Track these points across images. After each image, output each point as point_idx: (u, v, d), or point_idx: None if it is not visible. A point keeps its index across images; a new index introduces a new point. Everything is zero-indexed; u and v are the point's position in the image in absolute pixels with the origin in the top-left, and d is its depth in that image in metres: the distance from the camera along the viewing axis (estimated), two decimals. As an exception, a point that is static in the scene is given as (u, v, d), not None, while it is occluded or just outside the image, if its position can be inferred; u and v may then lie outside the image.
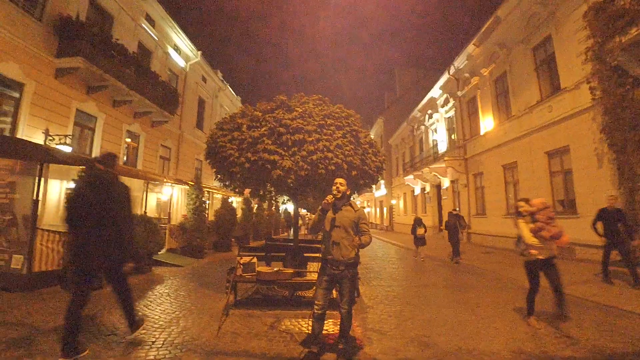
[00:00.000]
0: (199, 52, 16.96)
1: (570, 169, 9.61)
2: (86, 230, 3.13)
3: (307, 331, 3.74)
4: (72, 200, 3.23)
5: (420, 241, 10.92)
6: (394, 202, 31.02)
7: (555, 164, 10.43)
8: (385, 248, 15.38)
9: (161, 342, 3.49)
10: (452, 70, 17.26)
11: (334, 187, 3.28)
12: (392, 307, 5.13)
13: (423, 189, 22.80)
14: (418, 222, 11.02)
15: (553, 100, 10.14)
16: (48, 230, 5.74)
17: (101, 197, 3.19)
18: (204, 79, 18.69)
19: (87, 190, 3.22)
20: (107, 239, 3.18)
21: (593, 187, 8.61)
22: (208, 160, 5.84)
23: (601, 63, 7.69)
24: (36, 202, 5.46)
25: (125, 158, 11.94)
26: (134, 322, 3.49)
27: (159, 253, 7.91)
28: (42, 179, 5.71)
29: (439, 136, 20.28)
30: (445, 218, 12.02)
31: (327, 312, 3.32)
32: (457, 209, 14.89)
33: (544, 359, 3.23)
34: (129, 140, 12.24)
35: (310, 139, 4.95)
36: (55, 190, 8.25)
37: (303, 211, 24.95)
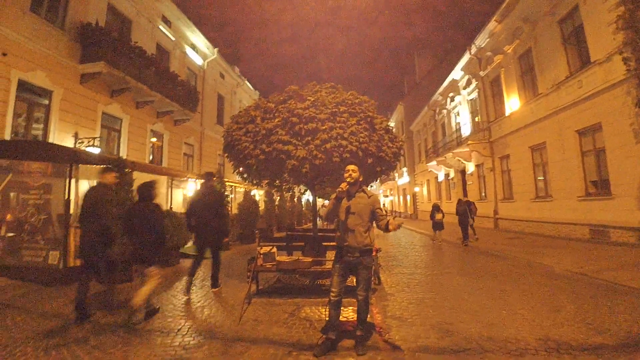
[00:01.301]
0: (216, 49, 17.14)
1: (603, 147, 9.06)
2: (199, 220, 5.09)
3: (326, 318, 3.77)
4: (190, 203, 5.34)
5: (438, 226, 11.64)
6: (417, 189, 30.52)
7: (586, 142, 9.86)
8: (409, 236, 15.19)
9: (186, 330, 3.64)
10: (473, 49, 16.56)
11: (346, 174, 3.25)
12: (414, 294, 5.08)
13: (447, 175, 22.25)
14: (436, 208, 11.82)
15: (583, 75, 9.54)
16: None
17: (205, 200, 5.18)
18: (222, 76, 18.95)
19: (197, 195, 5.36)
20: (210, 225, 5.07)
21: (629, 165, 8.08)
22: (226, 154, 5.96)
23: (634, 31, 7.13)
24: (68, 201, 5.77)
25: (151, 157, 12.38)
26: (216, 282, 5.27)
27: (185, 246, 8.17)
28: (73, 180, 6.03)
29: (462, 119, 19.63)
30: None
31: (347, 299, 3.32)
32: (466, 197, 14.88)
33: (573, 346, 3.09)
34: (154, 139, 12.66)
35: (324, 127, 4.92)
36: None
37: (327, 202, 24.98)
